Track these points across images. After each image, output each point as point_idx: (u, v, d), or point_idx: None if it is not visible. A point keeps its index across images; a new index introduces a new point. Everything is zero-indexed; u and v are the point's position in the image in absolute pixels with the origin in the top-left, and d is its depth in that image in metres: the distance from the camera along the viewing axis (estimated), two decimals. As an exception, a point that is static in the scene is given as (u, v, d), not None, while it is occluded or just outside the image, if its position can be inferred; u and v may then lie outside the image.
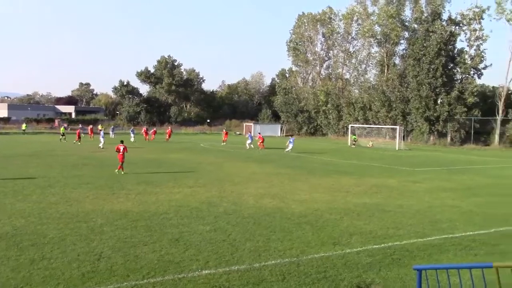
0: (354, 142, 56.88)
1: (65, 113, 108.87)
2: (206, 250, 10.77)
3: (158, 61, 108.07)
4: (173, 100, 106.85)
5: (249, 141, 48.58)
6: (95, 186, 20.01)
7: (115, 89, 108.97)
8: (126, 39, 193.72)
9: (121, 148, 25.11)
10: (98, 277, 8.90)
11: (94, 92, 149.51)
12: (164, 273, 9.18)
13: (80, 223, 13.09)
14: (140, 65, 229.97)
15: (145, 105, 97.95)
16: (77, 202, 16.27)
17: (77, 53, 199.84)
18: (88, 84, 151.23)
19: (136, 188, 19.71)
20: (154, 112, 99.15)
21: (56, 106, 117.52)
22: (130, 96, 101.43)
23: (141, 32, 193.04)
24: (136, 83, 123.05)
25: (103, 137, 44.70)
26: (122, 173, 24.47)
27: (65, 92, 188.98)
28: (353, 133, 60.78)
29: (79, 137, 48.96)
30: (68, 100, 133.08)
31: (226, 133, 55.94)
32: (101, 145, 43.33)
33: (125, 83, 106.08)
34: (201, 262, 9.85)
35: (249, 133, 54.24)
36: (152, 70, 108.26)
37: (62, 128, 60.22)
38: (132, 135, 56.55)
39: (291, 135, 53.63)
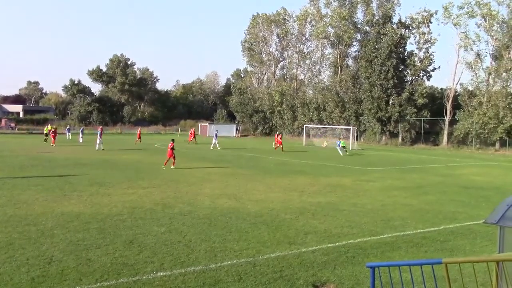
0: (345, 150, 45.99)
1: (12, 113, 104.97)
2: (161, 251, 10.63)
3: (111, 60, 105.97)
4: (126, 99, 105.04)
5: (214, 141, 48.07)
6: (45, 188, 19.40)
7: (65, 88, 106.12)
8: (77, 36, 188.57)
9: (169, 145, 28.35)
10: (49, 281, 8.62)
11: (44, 91, 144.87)
12: (118, 276, 8.99)
13: (29, 226, 12.66)
14: (91, 63, 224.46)
15: (97, 105, 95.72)
16: (26, 204, 15.73)
17: (25, 50, 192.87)
18: (37, 83, 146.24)
19: (88, 189, 19.24)
20: (107, 111, 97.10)
21: (2, 105, 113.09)
22: (81, 95, 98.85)
23: (92, 30, 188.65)
24: (87, 82, 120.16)
25: (100, 138, 41.88)
26: (172, 167, 27.55)
27: (12, 91, 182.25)
28: (340, 138, 52.51)
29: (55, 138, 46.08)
30: (16, 99, 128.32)
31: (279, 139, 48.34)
32: (97, 146, 41.24)
33: (76, 82, 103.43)
34: (156, 264, 9.71)
35: (215, 131, 52.75)
36: (104, 69, 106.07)
37: (46, 128, 56.36)
38: (81, 135, 55.13)
39: (339, 138, 48.72)
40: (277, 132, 58.43)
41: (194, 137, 55.70)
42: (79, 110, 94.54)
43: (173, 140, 29.13)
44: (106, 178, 22.92)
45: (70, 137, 59.02)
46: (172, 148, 28.14)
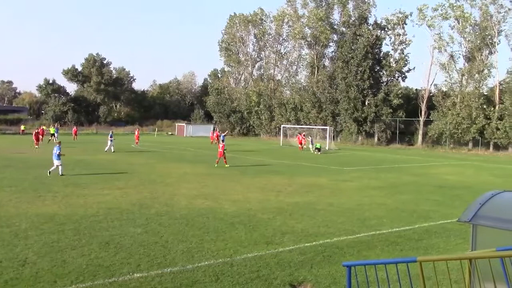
0: (318, 151, 45.77)
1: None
2: (137, 253, 10.55)
3: (86, 59, 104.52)
4: (102, 99, 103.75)
5: (222, 144, 46.36)
6: (18, 189, 19.07)
7: (39, 88, 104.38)
8: (52, 35, 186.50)
9: (220, 146, 31.73)
10: (23, 284, 8.48)
11: (17, 91, 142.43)
12: (94, 277, 8.89)
13: (3, 228, 12.42)
14: (66, 62, 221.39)
15: (72, 105, 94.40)
16: (-2, 206, 15.43)
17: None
18: (10, 82, 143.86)
19: (63, 190, 18.98)
20: (82, 111, 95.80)
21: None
22: (56, 95, 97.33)
23: (67, 28, 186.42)
24: (62, 81, 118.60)
25: (111, 140, 40.15)
26: (226, 166, 29.93)
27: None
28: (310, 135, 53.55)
29: (38, 140, 43.01)
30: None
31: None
32: (107, 148, 39.70)
33: (50, 82, 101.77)
34: (133, 265, 9.64)
35: (222, 134, 51.20)
36: (79, 68, 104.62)
37: (52, 128, 54.25)
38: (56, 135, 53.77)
39: (310, 135, 52.86)
40: (297, 133, 58.12)
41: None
42: (53, 110, 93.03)
43: (223, 140, 32.61)
44: (81, 178, 22.64)
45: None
46: (224, 149, 31.03)
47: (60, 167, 24.11)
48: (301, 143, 50.37)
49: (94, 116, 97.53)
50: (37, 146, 42.21)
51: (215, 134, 59.10)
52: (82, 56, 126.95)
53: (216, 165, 29.94)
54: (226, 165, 30.08)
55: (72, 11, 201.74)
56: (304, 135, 52.95)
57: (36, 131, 46.10)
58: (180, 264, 9.83)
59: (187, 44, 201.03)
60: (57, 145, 25.12)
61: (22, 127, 74.08)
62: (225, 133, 53.51)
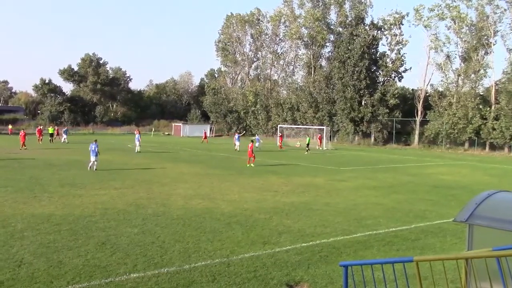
0: (307, 148, 47.75)
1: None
2: (134, 253, 10.53)
3: (82, 59, 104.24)
4: (99, 99, 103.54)
5: (237, 143, 46.35)
6: (14, 189, 19.00)
7: (35, 88, 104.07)
8: (48, 34, 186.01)
9: (249, 145, 32.38)
10: (19, 284, 8.45)
11: (13, 90, 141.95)
12: (90, 278, 8.87)
13: (-2, 229, 12.39)
14: (63, 62, 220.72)
15: (68, 105, 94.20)
16: (-6, 206, 15.37)
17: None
18: (6, 82, 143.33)
19: (59, 190, 18.92)
20: (78, 111, 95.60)
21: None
22: (52, 95, 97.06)
23: (63, 28, 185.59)
24: (58, 81, 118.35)
25: (138, 140, 41.13)
26: (252, 165, 30.66)
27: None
28: (308, 135, 54.37)
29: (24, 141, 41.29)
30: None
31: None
32: (137, 148, 40.61)
33: (46, 81, 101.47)
34: (129, 266, 9.62)
35: (238, 135, 50.37)
36: (75, 68, 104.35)
37: (51, 128, 53.88)
38: (65, 136, 53.11)
39: (257, 134, 57.29)
40: (279, 134, 59.44)
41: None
42: (50, 110, 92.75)
43: (252, 141, 34.16)
44: (77, 178, 22.57)
45: (66, 140, 52.77)
46: (252, 149, 31.84)
47: (96, 162, 26.18)
48: (281, 142, 54.49)
49: (91, 116, 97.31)
50: (21, 148, 40.51)
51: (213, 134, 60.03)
52: (78, 56, 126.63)
53: (248, 165, 30.92)
54: (252, 165, 30.95)
55: (68, 10, 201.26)
56: (281, 136, 56.39)
57: (23, 131, 44.26)
58: (177, 264, 9.82)
59: (184, 44, 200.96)
60: (94, 142, 27.07)
61: (10, 127, 73.77)
62: (242, 133, 54.84)
